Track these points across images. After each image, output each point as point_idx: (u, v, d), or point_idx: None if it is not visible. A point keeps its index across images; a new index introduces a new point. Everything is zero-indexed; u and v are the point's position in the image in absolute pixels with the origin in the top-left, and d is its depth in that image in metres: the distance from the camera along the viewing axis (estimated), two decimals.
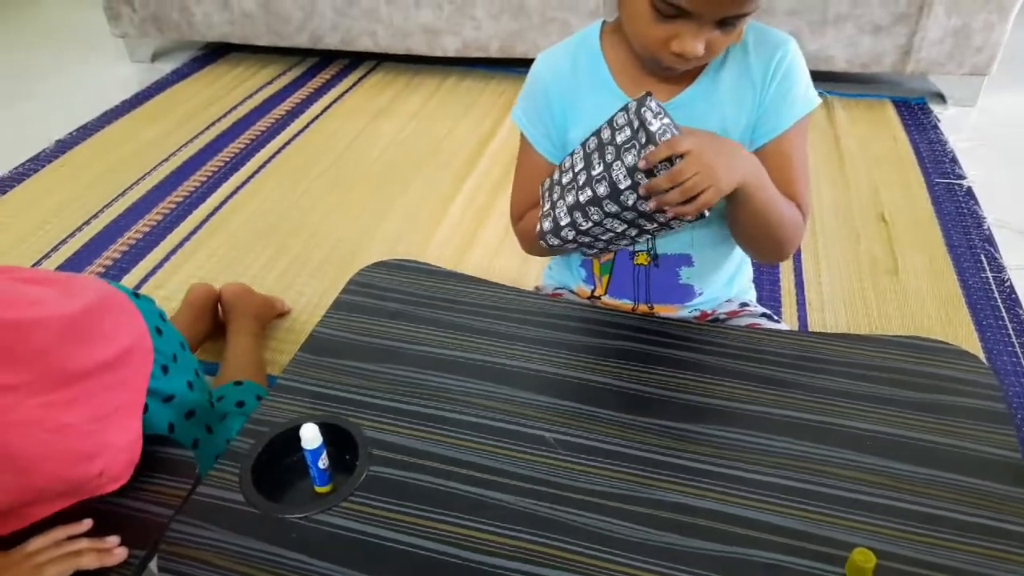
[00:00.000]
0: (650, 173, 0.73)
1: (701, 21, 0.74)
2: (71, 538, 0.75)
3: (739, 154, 0.79)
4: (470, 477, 0.74)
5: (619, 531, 0.69)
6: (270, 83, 2.57)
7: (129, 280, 1.67)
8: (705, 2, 0.72)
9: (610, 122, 0.78)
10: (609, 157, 0.76)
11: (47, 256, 1.76)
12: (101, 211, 1.92)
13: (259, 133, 2.27)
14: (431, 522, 0.70)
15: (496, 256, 1.72)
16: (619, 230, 0.81)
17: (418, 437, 0.78)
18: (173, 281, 1.67)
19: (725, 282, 1.01)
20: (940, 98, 2.34)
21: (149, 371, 0.88)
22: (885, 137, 2.17)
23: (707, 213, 0.74)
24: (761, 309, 1.03)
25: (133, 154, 2.17)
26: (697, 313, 1.01)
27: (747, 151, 0.81)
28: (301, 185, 2.01)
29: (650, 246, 0.94)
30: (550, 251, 0.91)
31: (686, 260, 0.95)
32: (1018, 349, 1.42)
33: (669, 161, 0.72)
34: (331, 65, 2.68)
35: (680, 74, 0.84)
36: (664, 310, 0.99)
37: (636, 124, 0.74)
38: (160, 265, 1.72)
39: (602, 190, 0.76)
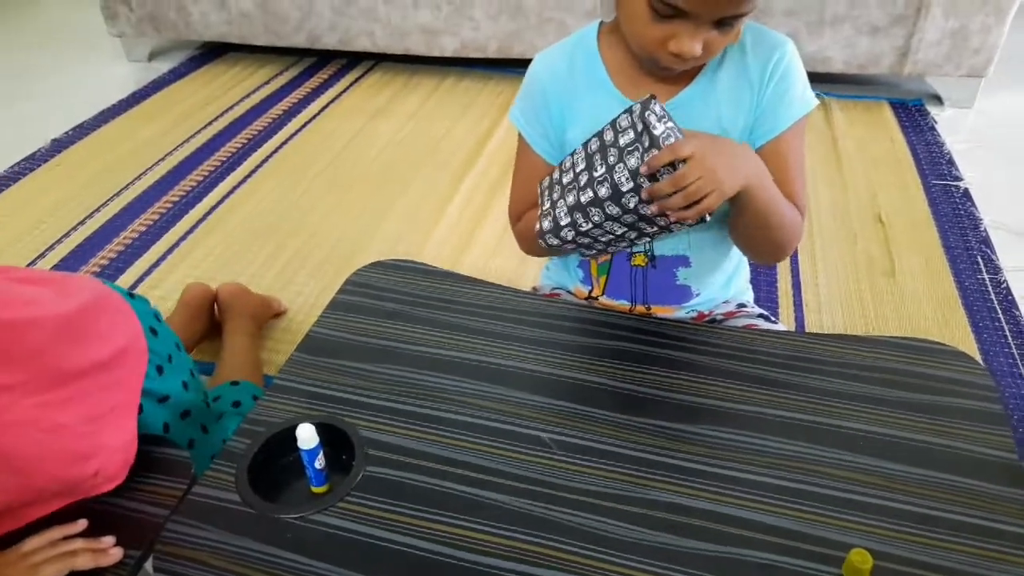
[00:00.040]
0: (652, 177, 0.73)
1: (698, 21, 0.74)
2: (66, 538, 0.75)
3: (742, 155, 0.79)
4: (466, 477, 0.74)
5: (614, 531, 0.69)
6: (267, 83, 2.57)
7: (125, 279, 1.67)
8: (702, 2, 0.72)
9: (613, 124, 0.77)
10: (612, 159, 0.76)
11: (42, 255, 1.76)
12: (97, 210, 1.92)
13: (256, 133, 2.27)
14: (427, 522, 0.70)
15: (494, 256, 1.72)
16: (619, 232, 0.81)
17: (414, 437, 0.78)
18: (169, 281, 1.66)
19: (723, 283, 1.01)
20: (937, 100, 2.35)
21: (144, 371, 0.88)
22: (882, 138, 2.17)
23: (708, 218, 0.74)
24: (758, 310, 1.03)
25: (129, 153, 2.17)
26: (694, 314, 1.01)
27: (751, 150, 0.81)
28: (299, 185, 2.01)
29: (648, 247, 0.94)
30: (549, 250, 0.91)
31: (683, 261, 0.95)
32: (1014, 350, 1.42)
33: (672, 165, 0.72)
34: (329, 65, 2.68)
35: (678, 74, 0.84)
36: (661, 311, 0.99)
37: (640, 127, 0.74)
38: (156, 265, 1.72)
39: (604, 192, 0.76)
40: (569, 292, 1.06)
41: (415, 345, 0.89)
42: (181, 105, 2.43)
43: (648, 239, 0.85)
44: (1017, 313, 1.51)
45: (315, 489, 0.74)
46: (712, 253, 0.96)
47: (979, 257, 1.68)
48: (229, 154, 2.16)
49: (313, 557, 0.67)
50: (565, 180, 0.82)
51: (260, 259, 1.73)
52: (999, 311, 1.52)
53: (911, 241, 1.74)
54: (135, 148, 2.20)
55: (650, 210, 0.75)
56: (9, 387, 0.73)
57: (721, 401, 0.81)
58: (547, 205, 0.84)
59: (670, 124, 0.73)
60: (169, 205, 1.94)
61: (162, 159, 2.14)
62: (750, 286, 1.09)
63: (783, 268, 1.66)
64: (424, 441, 0.77)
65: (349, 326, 0.92)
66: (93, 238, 1.81)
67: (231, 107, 2.41)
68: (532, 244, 0.91)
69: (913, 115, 2.29)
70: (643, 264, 0.96)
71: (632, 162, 0.74)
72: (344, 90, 2.52)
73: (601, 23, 0.90)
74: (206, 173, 2.07)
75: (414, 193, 1.96)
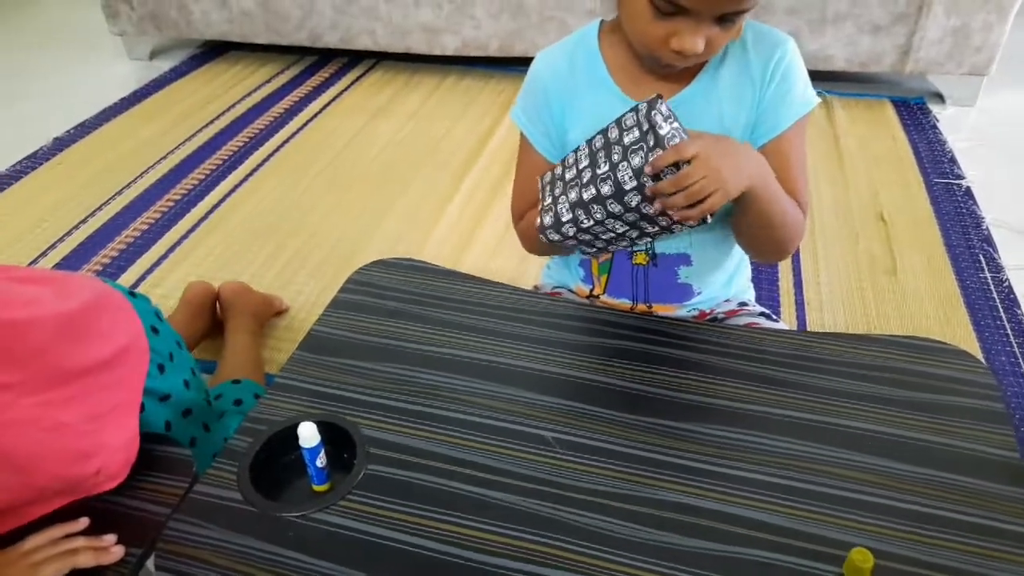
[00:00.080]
0: (656, 176, 0.73)
1: (700, 18, 0.74)
2: (68, 536, 0.75)
3: (746, 156, 0.78)
4: (470, 476, 0.74)
5: (620, 531, 0.68)
6: (268, 81, 2.57)
7: (126, 278, 1.67)
8: None
9: (618, 122, 0.77)
10: (616, 157, 0.76)
11: (44, 254, 1.76)
12: (98, 209, 1.92)
13: (257, 131, 2.27)
14: (430, 521, 0.70)
15: (494, 255, 1.72)
16: (620, 230, 0.80)
17: (416, 436, 0.78)
18: (171, 279, 1.66)
19: (724, 282, 1.01)
20: (939, 98, 2.35)
21: (145, 370, 0.88)
22: (884, 137, 2.17)
23: (710, 219, 0.74)
24: (760, 308, 1.03)
25: (131, 152, 2.17)
26: (696, 312, 1.01)
27: (755, 151, 0.81)
28: (300, 184, 2.01)
29: (649, 246, 0.94)
30: (550, 246, 0.90)
31: (685, 259, 0.95)
32: (1016, 349, 1.42)
33: (675, 165, 0.72)
34: (330, 63, 2.68)
35: (679, 72, 0.84)
36: (663, 309, 0.99)
37: (645, 126, 0.74)
38: (158, 263, 1.72)
39: (606, 189, 0.76)
40: (570, 291, 1.06)
41: (417, 343, 0.89)
42: (182, 104, 2.43)
43: (650, 239, 0.85)
44: (1019, 312, 1.51)
45: (317, 488, 0.74)
46: (713, 251, 0.96)
47: (981, 255, 1.68)
48: (230, 153, 2.16)
49: (315, 555, 0.67)
50: (568, 176, 0.82)
51: (261, 258, 1.73)
52: (1001, 310, 1.52)
53: (913, 239, 1.74)
54: (136, 147, 2.20)
55: (652, 209, 0.75)
56: (10, 386, 0.73)
57: (728, 401, 0.81)
58: (548, 201, 0.84)
59: (676, 124, 0.73)
60: (170, 204, 1.94)
61: (163, 158, 2.14)
62: (751, 284, 1.09)
63: (785, 266, 1.66)
64: (426, 440, 0.77)
65: (351, 324, 0.92)
66: (94, 237, 1.81)
67: (232, 106, 2.41)
68: (534, 243, 0.91)
69: (915, 113, 2.28)
70: (644, 262, 0.95)
71: (636, 161, 0.74)
72: (345, 89, 2.51)
73: (602, 22, 0.89)
74: (207, 172, 2.07)
75: (415, 192, 1.96)
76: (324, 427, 0.73)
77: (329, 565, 0.66)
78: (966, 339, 1.45)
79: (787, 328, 1.00)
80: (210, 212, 1.90)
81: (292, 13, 2.46)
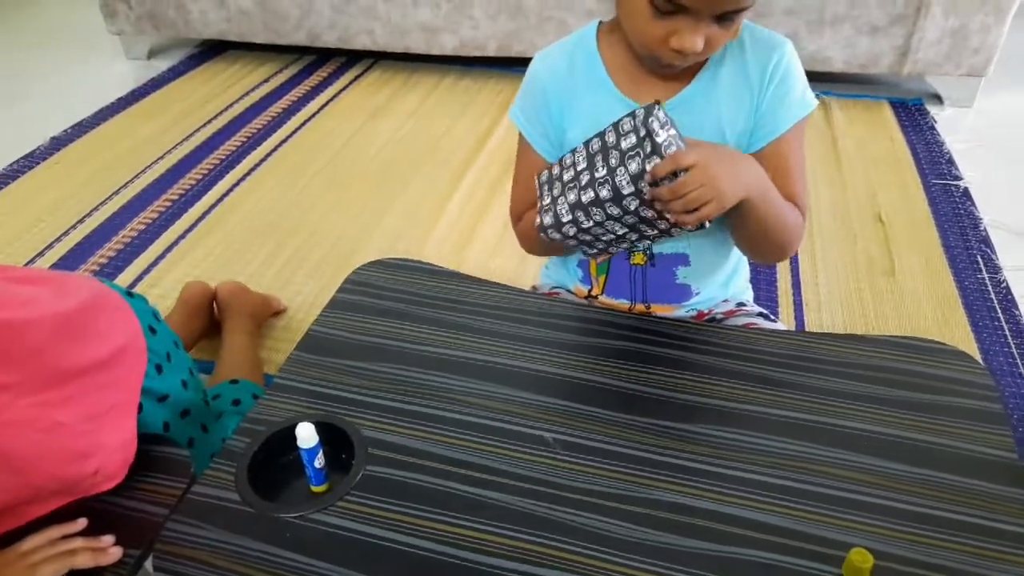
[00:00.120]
0: (653, 182, 0.73)
1: (699, 16, 0.74)
2: (66, 537, 0.75)
3: (744, 165, 0.79)
4: (468, 477, 0.74)
5: (617, 531, 0.68)
6: (267, 81, 2.57)
7: (124, 278, 1.67)
8: None
9: (616, 126, 0.77)
10: (613, 161, 0.76)
11: (41, 254, 1.76)
12: (96, 209, 1.91)
13: (255, 131, 2.27)
14: (428, 521, 0.70)
15: (494, 255, 1.72)
16: (619, 233, 0.81)
17: (415, 436, 0.78)
18: (168, 279, 1.66)
19: (722, 282, 1.01)
20: (937, 99, 2.35)
21: (143, 370, 0.88)
22: (882, 138, 2.17)
23: (707, 225, 0.75)
24: (758, 309, 1.03)
25: (128, 151, 2.17)
26: (694, 313, 1.01)
27: (752, 160, 0.81)
28: (298, 183, 2.01)
29: (648, 246, 0.94)
30: (550, 246, 0.90)
31: (683, 260, 0.95)
32: (1014, 350, 1.43)
33: (674, 173, 0.72)
34: (328, 63, 2.67)
35: (678, 73, 0.84)
36: (661, 310, 0.99)
37: (643, 132, 0.74)
38: (155, 263, 1.72)
39: (605, 193, 0.76)
40: (569, 291, 1.06)
41: (416, 344, 0.89)
42: (180, 103, 2.43)
43: (649, 241, 0.85)
44: (1017, 312, 1.51)
45: (315, 488, 0.74)
46: (712, 252, 0.96)
47: (979, 256, 1.68)
48: (228, 152, 2.16)
49: (312, 556, 0.67)
50: (566, 177, 0.82)
51: (259, 258, 1.72)
52: (999, 310, 1.52)
53: (911, 240, 1.74)
54: (134, 146, 2.19)
55: (650, 213, 0.75)
56: (7, 386, 0.73)
57: (724, 401, 0.81)
58: (547, 200, 0.84)
59: (673, 132, 0.73)
60: (168, 203, 1.94)
61: (161, 157, 2.13)
62: (750, 285, 1.09)
63: (783, 267, 1.66)
64: (425, 440, 0.77)
65: (349, 325, 0.92)
66: (92, 236, 1.81)
67: (230, 105, 2.41)
68: (533, 243, 0.91)
69: (913, 114, 2.29)
70: (642, 263, 0.96)
71: (633, 167, 0.74)
72: (343, 88, 2.51)
73: (600, 22, 0.89)
74: (205, 171, 2.07)
75: (414, 192, 1.96)
76: (322, 428, 0.73)
77: (327, 566, 0.66)
78: (964, 340, 1.45)
79: (785, 329, 1.00)
80: (208, 211, 1.90)
81: (290, 12, 2.45)
